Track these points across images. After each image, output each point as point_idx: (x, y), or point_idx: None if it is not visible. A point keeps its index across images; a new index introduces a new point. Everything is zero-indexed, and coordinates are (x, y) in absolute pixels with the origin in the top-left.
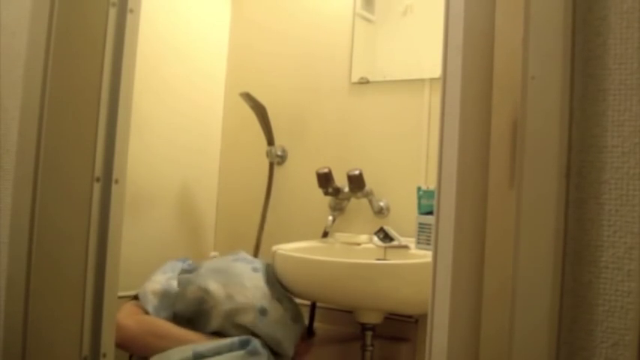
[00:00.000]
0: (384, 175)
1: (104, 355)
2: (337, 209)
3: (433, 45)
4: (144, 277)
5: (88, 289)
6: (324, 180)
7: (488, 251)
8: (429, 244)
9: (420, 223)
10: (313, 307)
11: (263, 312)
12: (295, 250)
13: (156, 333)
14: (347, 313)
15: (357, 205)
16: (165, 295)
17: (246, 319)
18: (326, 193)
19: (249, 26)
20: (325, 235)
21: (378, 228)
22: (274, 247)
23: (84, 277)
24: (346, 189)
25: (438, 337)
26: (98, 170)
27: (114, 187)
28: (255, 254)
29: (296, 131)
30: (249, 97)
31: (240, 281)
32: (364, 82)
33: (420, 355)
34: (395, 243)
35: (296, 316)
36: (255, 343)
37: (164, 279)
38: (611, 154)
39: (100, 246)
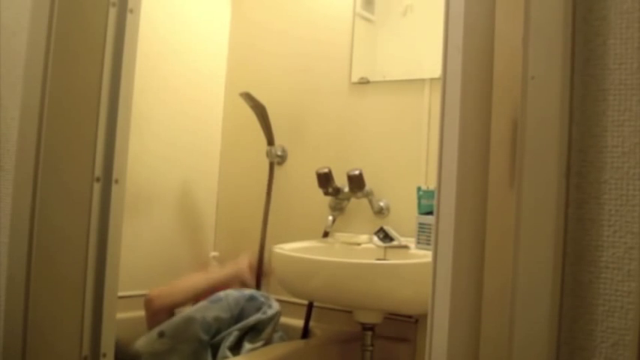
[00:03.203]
0: (384, 175)
1: (104, 355)
2: (337, 209)
3: (433, 45)
4: (144, 277)
5: (88, 289)
6: (324, 180)
7: (488, 251)
8: (429, 244)
9: (420, 223)
10: (310, 307)
11: None
12: (295, 250)
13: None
14: (347, 313)
15: (357, 205)
16: None
17: None
18: (326, 193)
19: (249, 26)
20: (325, 235)
21: (378, 228)
22: (273, 247)
23: (84, 277)
24: (346, 189)
25: (438, 337)
26: (98, 170)
27: (114, 187)
28: (261, 255)
29: (296, 131)
30: (249, 97)
31: None
32: (364, 82)
33: (420, 355)
34: (395, 243)
35: None
36: None
37: None
38: (611, 154)
39: (100, 246)
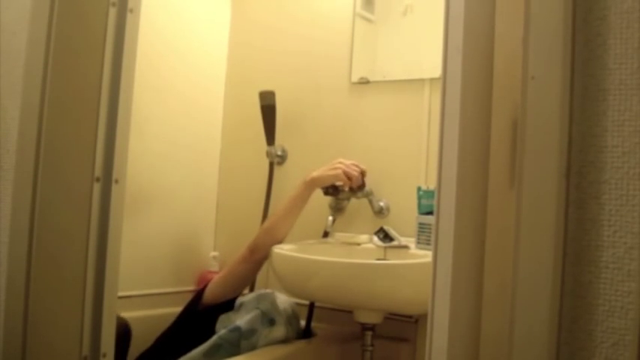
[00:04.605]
0: (384, 175)
1: (104, 355)
2: (337, 209)
3: (433, 45)
4: (144, 277)
5: (88, 289)
6: None
7: (488, 251)
8: (429, 244)
9: (420, 223)
10: (311, 307)
11: None
12: (295, 250)
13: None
14: (347, 313)
15: (357, 205)
16: None
17: None
18: (326, 193)
19: (250, 25)
20: (325, 235)
21: (378, 228)
22: (274, 247)
23: (84, 277)
24: (346, 189)
25: (438, 337)
26: (98, 170)
27: (114, 187)
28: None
29: (296, 131)
30: (268, 97)
31: None
32: (364, 82)
33: (420, 355)
34: (395, 243)
35: None
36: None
37: None
38: (611, 154)
39: (100, 246)
